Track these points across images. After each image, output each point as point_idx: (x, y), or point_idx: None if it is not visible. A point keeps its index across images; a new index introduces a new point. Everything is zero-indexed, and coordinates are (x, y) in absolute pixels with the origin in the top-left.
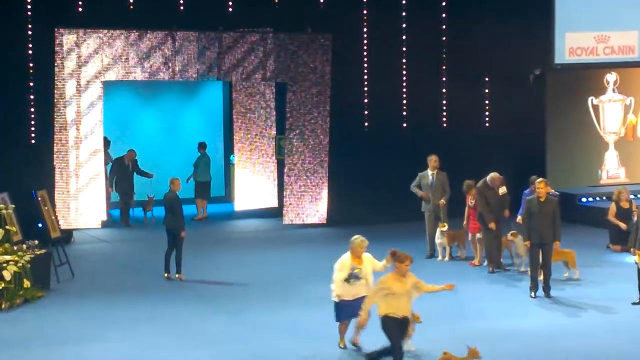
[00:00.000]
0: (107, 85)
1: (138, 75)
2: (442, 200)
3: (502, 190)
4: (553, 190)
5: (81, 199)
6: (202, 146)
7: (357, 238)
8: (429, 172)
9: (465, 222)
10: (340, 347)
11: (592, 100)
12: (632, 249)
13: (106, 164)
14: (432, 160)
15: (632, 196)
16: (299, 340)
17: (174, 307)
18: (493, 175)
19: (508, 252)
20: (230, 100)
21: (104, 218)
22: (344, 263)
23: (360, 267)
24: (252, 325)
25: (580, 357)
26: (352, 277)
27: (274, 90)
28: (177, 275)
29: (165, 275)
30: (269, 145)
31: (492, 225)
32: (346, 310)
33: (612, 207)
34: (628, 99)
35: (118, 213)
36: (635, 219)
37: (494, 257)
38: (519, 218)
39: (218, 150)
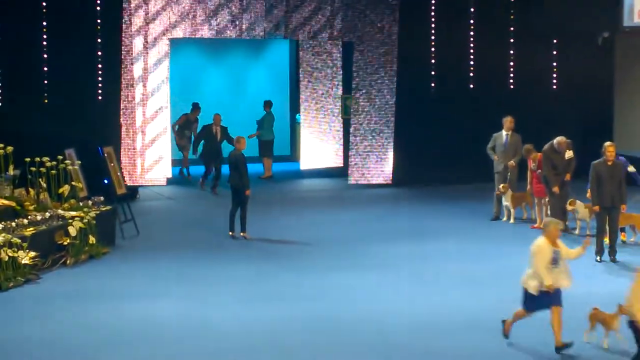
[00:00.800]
0: (174, 42)
1: (205, 32)
2: (512, 162)
3: (569, 154)
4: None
5: (147, 156)
6: (267, 104)
7: (552, 222)
8: (504, 132)
9: (528, 186)
10: (505, 336)
11: None
12: None
13: (193, 129)
14: (508, 121)
15: None
16: (360, 302)
17: (238, 265)
18: (559, 139)
19: (572, 216)
20: (296, 59)
21: (169, 175)
22: (542, 248)
23: (559, 250)
24: (315, 285)
25: None
26: (553, 262)
27: (340, 50)
28: (241, 234)
29: (230, 233)
30: (335, 105)
31: (556, 189)
32: (542, 301)
33: None
34: None
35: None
36: None
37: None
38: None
39: (284, 109)
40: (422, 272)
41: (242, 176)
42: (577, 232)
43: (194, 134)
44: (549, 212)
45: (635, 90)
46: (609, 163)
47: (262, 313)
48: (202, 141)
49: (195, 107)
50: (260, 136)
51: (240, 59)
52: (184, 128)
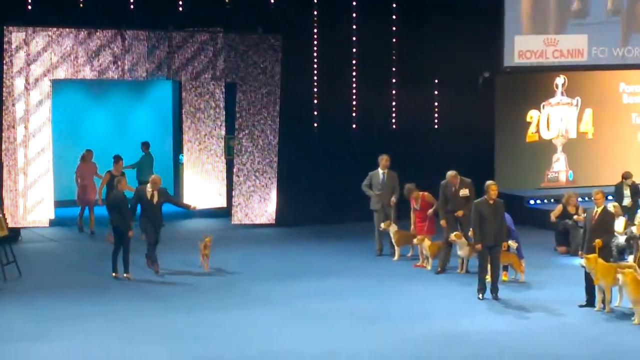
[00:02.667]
0: (56, 83)
1: (87, 73)
2: (393, 198)
3: (464, 192)
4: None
5: (29, 197)
6: (145, 145)
7: None
8: (380, 171)
9: (412, 226)
10: None
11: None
12: (579, 252)
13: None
14: (384, 159)
15: (580, 199)
16: (244, 340)
17: (122, 305)
18: (448, 173)
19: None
20: (179, 99)
21: (52, 216)
22: None
23: None
24: (199, 324)
25: (525, 358)
26: None
27: (223, 90)
28: (125, 275)
29: (113, 274)
30: (218, 145)
31: (442, 223)
32: None
33: (559, 208)
34: (575, 99)
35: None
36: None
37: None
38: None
39: (167, 150)
40: (306, 309)
41: (124, 217)
42: (459, 270)
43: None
44: (424, 251)
45: (515, 129)
46: (491, 202)
47: (145, 352)
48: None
49: (118, 160)
50: (140, 176)
51: (124, 100)
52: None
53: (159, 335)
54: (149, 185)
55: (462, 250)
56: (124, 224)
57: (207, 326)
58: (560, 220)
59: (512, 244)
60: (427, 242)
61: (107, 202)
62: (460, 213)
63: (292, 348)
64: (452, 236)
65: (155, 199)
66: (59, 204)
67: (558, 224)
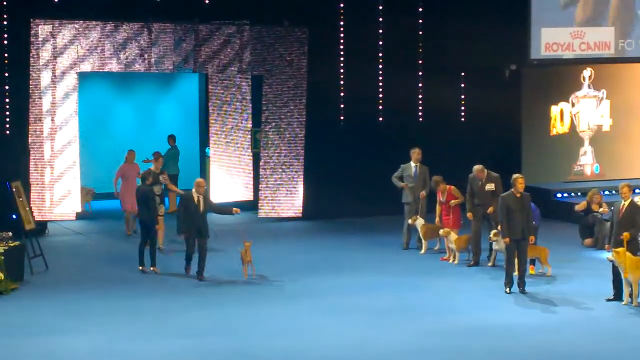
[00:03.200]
0: (82, 76)
1: (114, 66)
2: (423, 192)
3: (490, 186)
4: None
5: (56, 191)
6: (171, 139)
7: None
8: (412, 164)
9: (437, 218)
10: None
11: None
12: (606, 246)
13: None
14: (416, 152)
15: (606, 192)
16: (273, 334)
17: (149, 300)
18: (475, 167)
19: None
20: (206, 92)
21: (79, 209)
22: None
23: None
24: (227, 319)
25: (554, 353)
26: None
27: (250, 83)
28: (151, 269)
29: (140, 268)
30: (245, 138)
31: (469, 215)
32: None
33: (583, 204)
34: (601, 92)
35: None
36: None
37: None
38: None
39: (194, 143)
40: (332, 303)
41: (151, 211)
42: (453, 261)
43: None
44: (451, 245)
45: (542, 122)
46: (518, 195)
47: (172, 347)
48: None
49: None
50: (166, 170)
51: (150, 93)
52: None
53: (186, 330)
54: (193, 189)
55: (497, 245)
56: (151, 218)
57: (235, 320)
58: (584, 214)
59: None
60: (453, 236)
61: (136, 196)
62: (491, 210)
63: (318, 341)
64: (492, 235)
65: (202, 207)
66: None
67: (582, 217)
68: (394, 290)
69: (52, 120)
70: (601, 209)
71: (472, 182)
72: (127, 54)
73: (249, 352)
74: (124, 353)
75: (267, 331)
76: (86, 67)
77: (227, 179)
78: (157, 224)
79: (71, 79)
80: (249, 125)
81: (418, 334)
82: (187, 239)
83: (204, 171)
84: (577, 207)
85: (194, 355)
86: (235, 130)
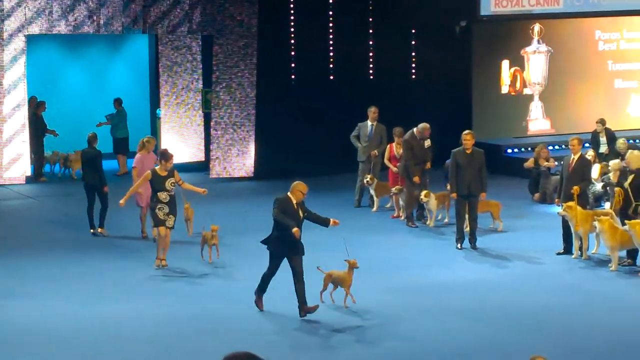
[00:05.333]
0: (31, 39)
1: (62, 28)
2: (375, 151)
3: (427, 143)
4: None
5: (5, 154)
6: (117, 102)
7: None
8: (369, 123)
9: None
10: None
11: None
12: (556, 200)
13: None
14: (372, 111)
15: (556, 147)
16: (234, 302)
17: (100, 263)
18: (424, 125)
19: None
20: (156, 53)
21: (28, 173)
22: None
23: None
24: (175, 280)
25: (506, 307)
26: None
27: (200, 43)
28: (99, 230)
29: (91, 231)
30: (196, 99)
31: (416, 179)
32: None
33: (531, 160)
34: (550, 47)
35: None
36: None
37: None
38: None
39: (144, 104)
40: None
41: (98, 173)
42: (429, 222)
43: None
44: (401, 202)
45: (492, 78)
46: (468, 151)
47: (126, 309)
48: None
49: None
50: (114, 133)
51: (100, 55)
52: None
53: (137, 292)
54: (290, 194)
55: (429, 204)
56: (99, 180)
57: (181, 283)
58: (534, 169)
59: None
60: (433, 198)
61: (81, 159)
62: (429, 165)
63: (270, 300)
64: (422, 196)
65: (301, 214)
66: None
67: (531, 171)
68: (349, 248)
69: (0, 84)
70: (546, 163)
71: (411, 141)
72: (75, 15)
73: (203, 315)
74: (75, 317)
75: (227, 293)
76: (34, 29)
77: (178, 140)
78: (106, 185)
79: (19, 42)
80: (200, 85)
81: (376, 292)
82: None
83: (154, 132)
84: (525, 165)
85: (148, 317)
86: (186, 91)
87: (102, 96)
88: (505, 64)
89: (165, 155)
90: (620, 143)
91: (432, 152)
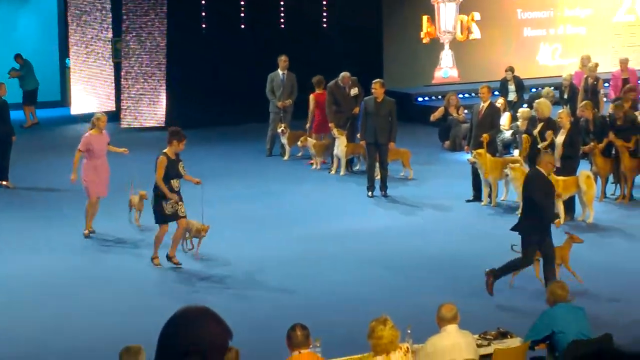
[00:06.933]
0: None
1: None
2: (286, 102)
3: (354, 91)
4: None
5: None
6: (19, 57)
7: None
8: (280, 72)
9: (308, 124)
10: None
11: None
12: (465, 147)
13: None
14: (282, 60)
15: (467, 95)
16: (139, 246)
17: (4, 214)
18: (343, 74)
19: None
20: (64, 2)
21: None
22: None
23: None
24: (80, 234)
25: (415, 254)
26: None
27: None
28: (3, 183)
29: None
30: (105, 48)
31: (331, 126)
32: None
33: (440, 110)
34: None
35: None
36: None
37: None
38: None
39: (53, 54)
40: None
41: (7, 123)
42: (315, 166)
43: None
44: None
45: (404, 27)
46: (378, 100)
47: (30, 261)
48: None
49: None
50: (24, 86)
51: (6, 4)
52: None
53: (43, 244)
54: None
55: (337, 149)
56: (7, 130)
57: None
58: (443, 118)
59: None
60: (310, 141)
61: None
62: (356, 110)
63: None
64: (335, 131)
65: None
66: None
67: (441, 120)
68: (258, 198)
69: None
70: (456, 115)
71: (334, 90)
72: None
73: (93, 272)
74: None
75: (136, 245)
76: None
77: (89, 90)
78: (14, 135)
79: None
80: (110, 35)
81: (288, 241)
82: None
83: (64, 83)
84: (432, 117)
85: (58, 270)
86: (96, 40)
87: (9, 46)
88: (419, 10)
89: (178, 135)
90: (525, 112)
91: (361, 100)
